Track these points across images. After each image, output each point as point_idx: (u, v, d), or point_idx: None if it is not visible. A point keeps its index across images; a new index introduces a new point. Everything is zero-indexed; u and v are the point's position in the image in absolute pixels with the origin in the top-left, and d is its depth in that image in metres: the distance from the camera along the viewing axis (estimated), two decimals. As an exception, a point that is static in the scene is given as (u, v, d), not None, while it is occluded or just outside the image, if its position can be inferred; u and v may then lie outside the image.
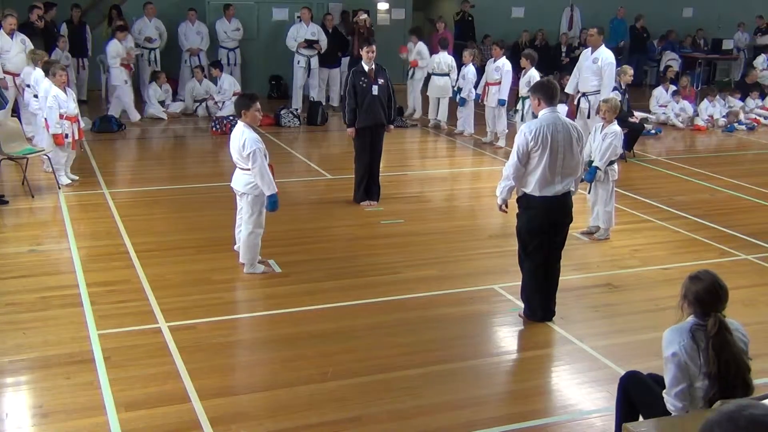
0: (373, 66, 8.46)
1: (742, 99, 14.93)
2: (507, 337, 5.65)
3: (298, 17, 14.48)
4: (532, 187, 5.42)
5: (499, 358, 5.29)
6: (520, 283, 5.92)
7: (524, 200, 5.54)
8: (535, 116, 5.46)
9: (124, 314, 5.67)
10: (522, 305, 5.82)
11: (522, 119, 11.03)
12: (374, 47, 8.56)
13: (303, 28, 14.19)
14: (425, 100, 13.95)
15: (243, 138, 6.17)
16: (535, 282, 5.67)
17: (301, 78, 14.29)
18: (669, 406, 3.65)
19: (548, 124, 5.35)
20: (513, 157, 5.41)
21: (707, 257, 7.25)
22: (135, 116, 12.96)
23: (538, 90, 5.49)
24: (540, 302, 5.70)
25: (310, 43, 14.09)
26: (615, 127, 7.48)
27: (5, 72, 10.49)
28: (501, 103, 11.82)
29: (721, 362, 3.51)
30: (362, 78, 8.40)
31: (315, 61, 14.29)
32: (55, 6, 13.45)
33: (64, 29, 13.62)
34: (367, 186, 8.61)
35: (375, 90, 8.38)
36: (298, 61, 14.24)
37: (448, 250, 7.26)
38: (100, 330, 5.39)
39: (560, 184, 5.42)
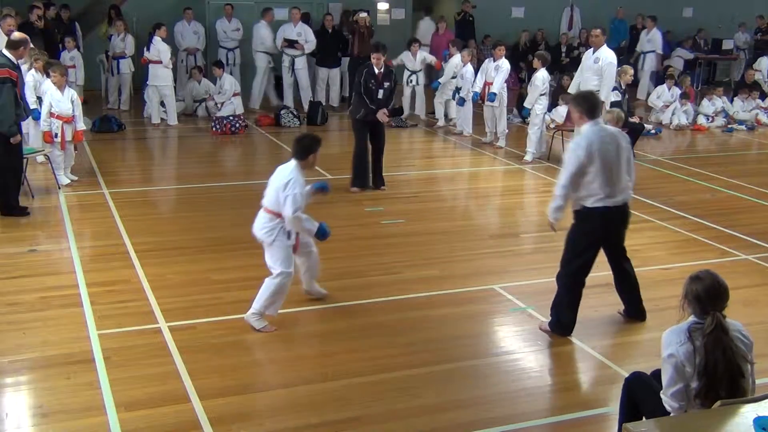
0: (382, 69, 9.02)
1: (734, 99, 14.94)
2: (507, 337, 5.65)
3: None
4: (592, 201, 5.26)
5: (499, 358, 5.29)
6: (521, 283, 5.96)
7: (582, 213, 5.35)
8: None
9: (124, 314, 5.67)
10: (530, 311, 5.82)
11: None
12: (380, 54, 9.00)
13: (290, 28, 14.17)
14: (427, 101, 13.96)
15: (290, 177, 5.39)
16: (571, 298, 5.48)
17: (286, 77, 14.28)
18: (666, 407, 3.67)
19: (596, 138, 5.20)
20: (566, 176, 5.23)
21: (707, 257, 7.25)
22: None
23: (581, 103, 5.34)
24: (572, 318, 5.50)
25: (290, 43, 14.06)
26: None
27: None
28: (490, 98, 11.78)
29: (710, 360, 3.52)
30: (372, 80, 8.99)
31: (301, 61, 14.23)
32: (53, 5, 13.44)
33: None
34: (374, 174, 9.21)
35: (380, 94, 9.01)
36: (284, 61, 14.26)
37: (449, 250, 7.26)
38: (100, 330, 5.39)
39: (620, 194, 5.32)
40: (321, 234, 5.59)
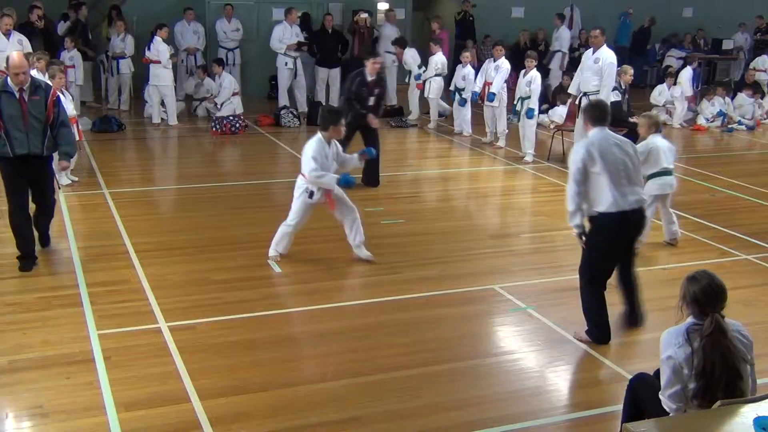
0: (375, 77, 8.94)
1: (734, 98, 14.96)
2: (507, 337, 5.65)
3: (299, 16, 14.45)
4: (605, 205, 5.19)
5: (499, 358, 5.29)
6: (521, 283, 5.90)
7: (598, 219, 5.26)
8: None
9: (124, 314, 5.67)
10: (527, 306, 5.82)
11: (519, 120, 11.04)
12: (380, 59, 8.90)
13: (288, 30, 14.12)
14: (422, 102, 13.95)
15: (308, 144, 6.49)
16: (602, 304, 5.39)
17: (287, 78, 14.16)
18: (665, 407, 3.68)
19: (599, 139, 5.24)
20: (570, 180, 5.24)
21: (707, 257, 7.25)
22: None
23: (588, 110, 5.45)
24: (607, 322, 5.43)
25: (300, 46, 14.05)
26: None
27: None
28: (490, 98, 11.76)
29: (707, 362, 3.53)
30: (363, 88, 8.94)
31: (300, 62, 14.25)
32: (84, 5, 13.42)
33: (61, 27, 13.59)
34: (370, 173, 9.17)
35: (371, 101, 9.03)
36: (286, 63, 14.14)
37: (448, 250, 7.26)
38: (100, 330, 5.39)
39: (632, 195, 5.22)
40: (344, 183, 6.37)
